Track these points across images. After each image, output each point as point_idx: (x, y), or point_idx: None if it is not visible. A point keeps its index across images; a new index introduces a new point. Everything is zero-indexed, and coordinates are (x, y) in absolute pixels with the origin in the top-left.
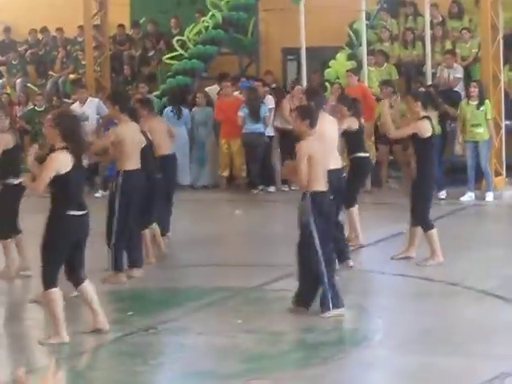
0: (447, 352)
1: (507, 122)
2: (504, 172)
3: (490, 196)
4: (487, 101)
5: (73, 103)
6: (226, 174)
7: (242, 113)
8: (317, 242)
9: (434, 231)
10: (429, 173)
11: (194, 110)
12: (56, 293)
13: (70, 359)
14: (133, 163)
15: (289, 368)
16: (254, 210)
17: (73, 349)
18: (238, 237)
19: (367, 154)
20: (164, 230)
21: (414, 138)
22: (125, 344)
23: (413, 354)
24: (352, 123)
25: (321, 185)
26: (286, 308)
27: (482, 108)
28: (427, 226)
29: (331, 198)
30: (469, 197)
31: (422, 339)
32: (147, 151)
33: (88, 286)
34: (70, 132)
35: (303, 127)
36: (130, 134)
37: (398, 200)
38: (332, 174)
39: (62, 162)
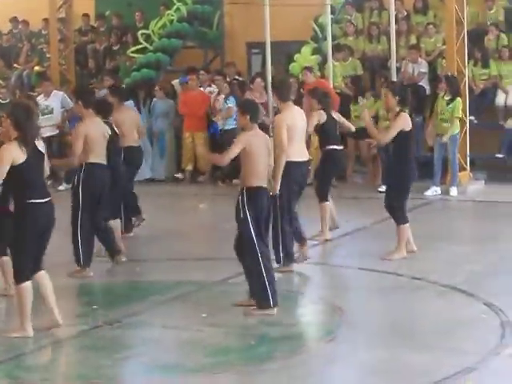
0: (411, 346)
1: (471, 118)
2: (468, 167)
3: (454, 191)
4: (458, 99)
5: (37, 96)
6: (189, 167)
7: (232, 104)
8: (253, 237)
9: (407, 226)
10: (410, 165)
11: (153, 101)
12: (27, 287)
13: (33, 353)
14: (96, 157)
15: (253, 362)
16: (218, 204)
17: (36, 343)
18: (203, 231)
19: (340, 147)
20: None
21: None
22: (89, 338)
23: (376, 348)
24: (321, 116)
25: (257, 180)
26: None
27: (451, 105)
28: (403, 220)
29: (272, 193)
30: (434, 191)
31: (386, 333)
32: (111, 144)
33: (44, 279)
34: (22, 121)
35: (244, 121)
36: (93, 129)
37: (363, 194)
38: (298, 166)
39: (14, 152)
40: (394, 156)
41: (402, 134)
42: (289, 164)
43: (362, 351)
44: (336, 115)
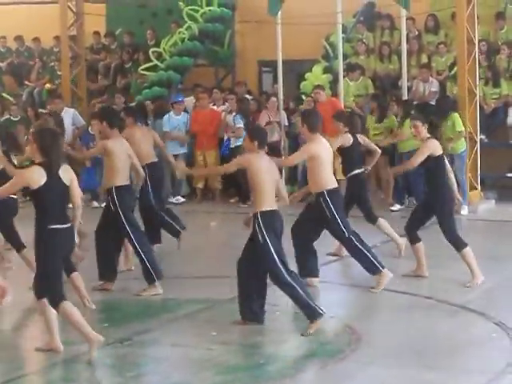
0: (422, 365)
1: (482, 137)
2: (479, 186)
3: (465, 210)
4: (455, 114)
5: (49, 113)
6: (200, 185)
7: (239, 123)
8: (275, 258)
9: (420, 244)
10: (444, 189)
11: (166, 117)
12: (66, 307)
13: (44, 371)
14: (123, 179)
15: (262, 380)
16: (229, 222)
17: (47, 360)
18: (213, 248)
19: (362, 169)
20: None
21: (426, 160)
22: (100, 356)
23: (387, 366)
24: (346, 140)
25: (268, 203)
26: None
27: (449, 122)
28: (461, 244)
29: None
30: None
31: (397, 352)
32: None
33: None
34: (47, 147)
35: (251, 147)
36: (118, 148)
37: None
38: (335, 193)
39: (32, 177)
40: (428, 183)
41: (431, 159)
42: (329, 192)
43: (372, 369)
44: (361, 138)
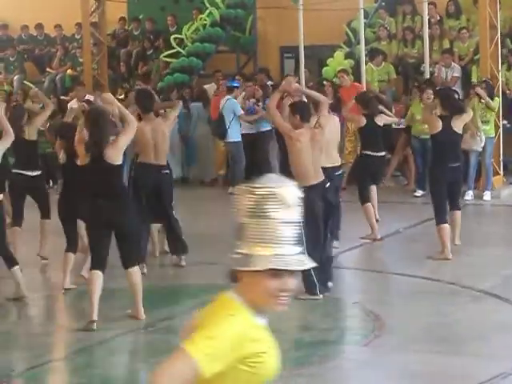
0: (446, 351)
1: (505, 122)
2: (501, 171)
3: (487, 195)
4: (497, 98)
5: (70, 100)
6: (222, 171)
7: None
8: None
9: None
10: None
11: (193, 105)
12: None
13: (69, 357)
14: (147, 157)
15: (288, 366)
16: None
17: (72, 346)
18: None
19: (377, 154)
20: None
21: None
22: (124, 342)
23: (411, 353)
24: (359, 121)
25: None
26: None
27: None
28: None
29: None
30: (470, 196)
31: (421, 338)
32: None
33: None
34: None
35: (295, 121)
36: (148, 130)
37: (395, 198)
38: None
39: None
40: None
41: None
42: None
43: (396, 356)
44: (380, 118)
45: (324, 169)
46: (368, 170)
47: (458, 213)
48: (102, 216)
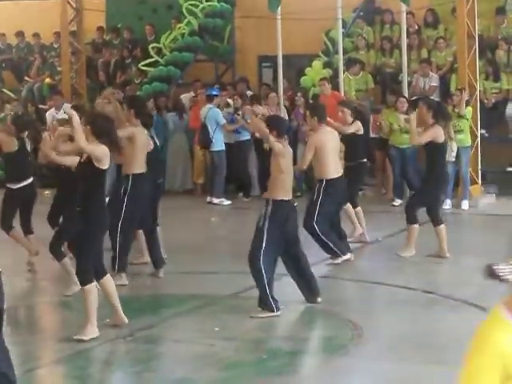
0: (423, 360)
1: (482, 131)
2: (479, 181)
3: (465, 204)
4: (469, 107)
5: (48, 109)
6: (201, 181)
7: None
8: (263, 246)
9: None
10: (440, 176)
11: (169, 115)
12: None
13: (47, 367)
14: (141, 167)
15: (265, 376)
16: (229, 217)
17: (50, 357)
18: (215, 244)
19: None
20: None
21: (428, 144)
22: (102, 352)
23: (389, 361)
24: (359, 127)
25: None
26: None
27: (466, 115)
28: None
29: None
30: (448, 205)
31: (399, 347)
32: (152, 155)
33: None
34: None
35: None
36: (141, 138)
37: (375, 208)
38: (339, 182)
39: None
40: (427, 167)
41: (433, 146)
42: (333, 181)
43: (375, 365)
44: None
45: None
46: (363, 179)
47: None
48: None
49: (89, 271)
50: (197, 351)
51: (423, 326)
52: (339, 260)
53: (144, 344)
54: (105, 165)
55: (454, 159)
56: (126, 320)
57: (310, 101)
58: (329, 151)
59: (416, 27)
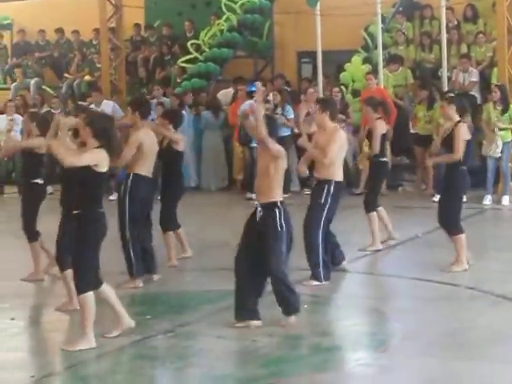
0: (466, 357)
1: None
2: None
3: (506, 200)
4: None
5: (88, 105)
6: (240, 177)
7: (291, 115)
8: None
9: (462, 236)
10: (464, 176)
11: (204, 112)
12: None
13: (88, 363)
14: (144, 169)
15: (306, 372)
16: None
17: (90, 353)
18: None
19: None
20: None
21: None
22: (143, 348)
23: (431, 358)
24: (383, 126)
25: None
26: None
27: (506, 114)
28: (457, 230)
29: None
30: (488, 200)
31: (440, 344)
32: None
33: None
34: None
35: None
36: (148, 141)
37: (414, 203)
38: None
39: (105, 160)
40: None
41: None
42: (341, 184)
43: (415, 361)
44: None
45: None
46: (386, 176)
47: None
48: None
49: (88, 280)
50: (238, 347)
51: (464, 322)
52: (315, 283)
53: (185, 340)
54: (103, 168)
55: (499, 155)
56: (133, 323)
57: (348, 95)
58: (340, 151)
59: (455, 22)
